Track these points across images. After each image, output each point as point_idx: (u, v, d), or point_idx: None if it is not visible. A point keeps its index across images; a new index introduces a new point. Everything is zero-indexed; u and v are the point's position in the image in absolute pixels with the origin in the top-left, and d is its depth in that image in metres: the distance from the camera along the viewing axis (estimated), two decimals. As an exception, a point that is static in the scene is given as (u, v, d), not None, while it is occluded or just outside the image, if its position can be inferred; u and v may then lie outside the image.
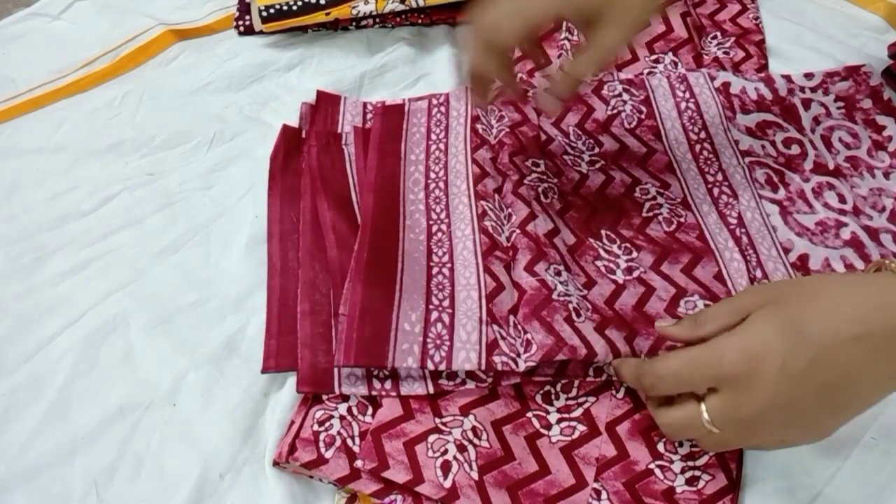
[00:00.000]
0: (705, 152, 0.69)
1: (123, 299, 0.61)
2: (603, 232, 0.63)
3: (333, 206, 0.64)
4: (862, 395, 0.42)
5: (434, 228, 0.61)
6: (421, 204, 0.63)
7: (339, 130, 0.73)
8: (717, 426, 0.43)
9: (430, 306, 0.56)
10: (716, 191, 0.66)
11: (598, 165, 0.68)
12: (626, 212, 0.64)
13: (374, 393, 0.53)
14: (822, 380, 0.41)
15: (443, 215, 0.61)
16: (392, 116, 0.72)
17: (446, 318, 0.55)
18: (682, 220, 0.63)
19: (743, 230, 0.62)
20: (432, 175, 0.65)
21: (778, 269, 0.60)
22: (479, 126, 0.68)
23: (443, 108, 0.72)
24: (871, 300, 0.41)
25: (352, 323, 0.54)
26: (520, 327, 0.54)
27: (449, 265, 0.59)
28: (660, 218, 0.63)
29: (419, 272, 0.58)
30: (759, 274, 0.59)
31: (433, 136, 0.69)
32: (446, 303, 0.56)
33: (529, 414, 0.53)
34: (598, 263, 0.60)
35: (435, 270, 0.58)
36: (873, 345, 0.40)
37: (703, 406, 0.43)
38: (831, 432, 0.44)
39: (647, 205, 0.64)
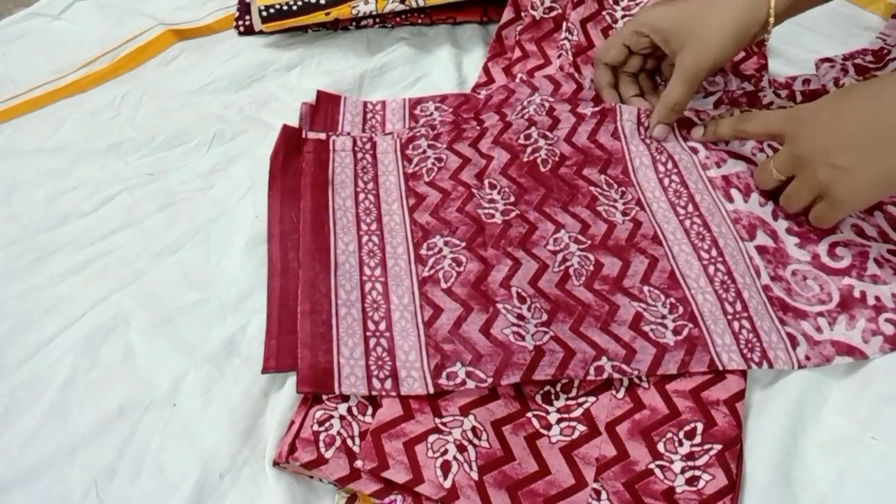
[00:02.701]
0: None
1: (123, 299, 0.61)
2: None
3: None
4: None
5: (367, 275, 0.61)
6: (353, 257, 0.62)
7: (339, 131, 0.73)
8: (777, 169, 0.58)
9: (367, 332, 0.56)
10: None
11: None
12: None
13: (374, 393, 0.53)
14: (855, 108, 0.54)
15: (378, 272, 0.61)
16: (319, 153, 0.70)
17: (384, 342, 0.56)
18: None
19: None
20: (363, 227, 0.64)
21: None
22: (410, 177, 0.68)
23: (368, 155, 0.70)
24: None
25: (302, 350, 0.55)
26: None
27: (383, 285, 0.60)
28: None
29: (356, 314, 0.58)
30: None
31: (360, 184, 0.68)
32: (382, 326, 0.57)
33: (529, 414, 0.53)
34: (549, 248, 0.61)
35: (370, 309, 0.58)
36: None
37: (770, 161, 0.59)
38: (871, 179, 0.52)
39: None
